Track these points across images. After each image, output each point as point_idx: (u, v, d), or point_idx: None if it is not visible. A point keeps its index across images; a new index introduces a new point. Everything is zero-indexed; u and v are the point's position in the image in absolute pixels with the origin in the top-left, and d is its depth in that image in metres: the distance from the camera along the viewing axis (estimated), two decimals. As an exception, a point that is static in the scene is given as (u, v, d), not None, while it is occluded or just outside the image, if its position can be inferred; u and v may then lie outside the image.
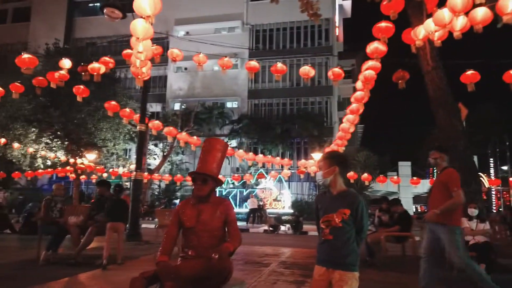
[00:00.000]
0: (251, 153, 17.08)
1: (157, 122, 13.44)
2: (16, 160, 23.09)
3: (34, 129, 21.39)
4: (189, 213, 2.84)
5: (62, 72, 7.93)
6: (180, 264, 2.50)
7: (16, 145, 19.93)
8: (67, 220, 6.62)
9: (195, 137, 14.56)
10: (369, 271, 6.11)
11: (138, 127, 9.19)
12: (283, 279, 5.39)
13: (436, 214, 3.97)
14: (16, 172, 24.31)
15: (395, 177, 20.48)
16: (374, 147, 29.57)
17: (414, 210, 40.23)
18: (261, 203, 21.63)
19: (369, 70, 6.76)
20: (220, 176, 2.96)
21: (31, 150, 21.10)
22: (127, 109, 12.16)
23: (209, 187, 2.86)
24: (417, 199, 38.66)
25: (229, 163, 27.35)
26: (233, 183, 24.10)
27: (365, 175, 19.02)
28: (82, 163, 21.56)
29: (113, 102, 11.94)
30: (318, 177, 2.57)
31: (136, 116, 10.77)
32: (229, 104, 31.19)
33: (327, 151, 2.82)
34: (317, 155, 17.65)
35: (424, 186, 30.13)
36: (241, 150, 16.98)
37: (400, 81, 6.77)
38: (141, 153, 8.99)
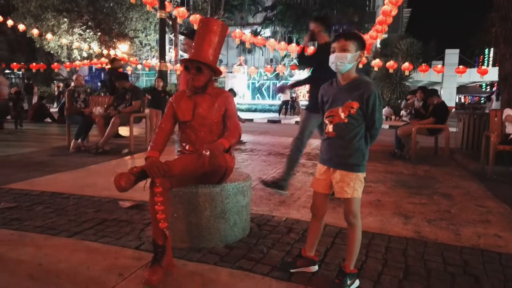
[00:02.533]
0: (283, 43, 16.12)
1: (182, 9, 12.63)
2: (54, 51, 23.54)
3: (65, 19, 21.19)
4: (184, 106, 2.57)
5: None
6: (171, 161, 2.32)
7: (49, 36, 19.96)
8: (92, 110, 6.69)
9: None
10: (398, 164, 5.92)
11: (158, 14, 8.60)
12: (303, 170, 5.31)
13: None
14: (56, 63, 24.97)
15: (439, 66, 18.96)
16: (420, 34, 27.16)
17: (457, 100, 38.54)
18: (294, 95, 21.25)
19: None
20: (222, 67, 2.59)
21: (65, 41, 21.21)
22: (150, -5, 11.40)
23: (205, 77, 2.52)
24: (461, 89, 36.66)
25: (262, 54, 26.40)
26: (266, 75, 23.55)
27: (406, 64, 17.73)
28: (115, 55, 21.56)
29: (135, -13, 11.18)
30: (338, 60, 1.98)
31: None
32: (262, -12, 28.83)
33: (349, 30, 2.21)
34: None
35: (470, 75, 28.20)
36: (272, 40, 15.99)
37: None
38: (164, 43, 8.57)
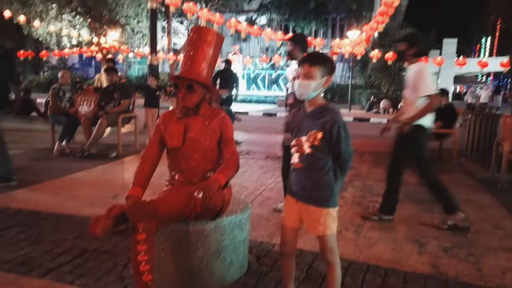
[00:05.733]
0: (280, 32, 15.63)
1: (175, -4, 12.09)
2: (43, 39, 22.80)
3: (53, 5, 20.39)
4: (173, 130, 2.21)
5: None
6: (157, 200, 1.97)
7: (36, 23, 19.21)
8: (78, 110, 6.29)
9: (217, 14, 13.18)
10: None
11: (149, 5, 8.13)
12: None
13: None
14: (44, 51, 24.21)
15: (438, 57, 18.56)
16: (418, 22, 26.66)
17: (453, 90, 38.24)
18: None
19: None
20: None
21: (53, 28, 20.47)
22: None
23: (197, 96, 2.16)
24: (458, 79, 36.36)
25: (258, 43, 25.80)
26: (261, 65, 23.01)
27: (405, 55, 17.28)
28: (105, 42, 20.91)
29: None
30: (301, 89, 1.82)
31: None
32: (258, -26, 28.05)
33: (315, 53, 1.95)
34: (353, 33, 16.01)
35: (468, 66, 27.86)
36: (269, 29, 15.48)
37: None
38: (155, 35, 8.11)
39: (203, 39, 2.18)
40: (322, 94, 1.91)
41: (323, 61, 1.84)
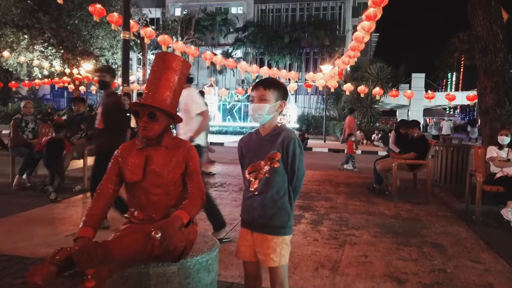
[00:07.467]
0: (255, 65, 15.88)
1: (150, 29, 12.13)
2: (12, 69, 22.25)
3: (25, 36, 20.05)
4: (132, 162, 2.02)
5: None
6: (110, 240, 1.75)
7: (6, 53, 18.77)
8: (41, 141, 5.97)
9: (192, 47, 13.25)
10: (378, 202, 5.52)
11: (121, 35, 8.04)
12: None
13: None
14: (14, 82, 23.63)
15: (409, 91, 19.24)
16: (388, 57, 27.73)
17: (423, 122, 39.70)
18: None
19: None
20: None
21: (23, 59, 20.04)
22: (115, 14, 10.80)
23: (160, 125, 1.99)
24: (426, 111, 37.83)
25: (233, 75, 26.09)
26: (237, 96, 23.16)
27: (377, 89, 17.83)
28: (78, 73, 20.61)
29: (98, 5, 10.59)
30: (256, 111, 1.81)
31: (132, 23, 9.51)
32: (234, 10, 28.79)
33: (269, 78, 1.95)
34: (326, 67, 16.40)
35: (436, 99, 29.06)
36: (244, 62, 15.71)
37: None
38: (127, 66, 7.97)
39: (168, 65, 2.05)
40: (278, 119, 1.89)
41: (276, 86, 1.83)
